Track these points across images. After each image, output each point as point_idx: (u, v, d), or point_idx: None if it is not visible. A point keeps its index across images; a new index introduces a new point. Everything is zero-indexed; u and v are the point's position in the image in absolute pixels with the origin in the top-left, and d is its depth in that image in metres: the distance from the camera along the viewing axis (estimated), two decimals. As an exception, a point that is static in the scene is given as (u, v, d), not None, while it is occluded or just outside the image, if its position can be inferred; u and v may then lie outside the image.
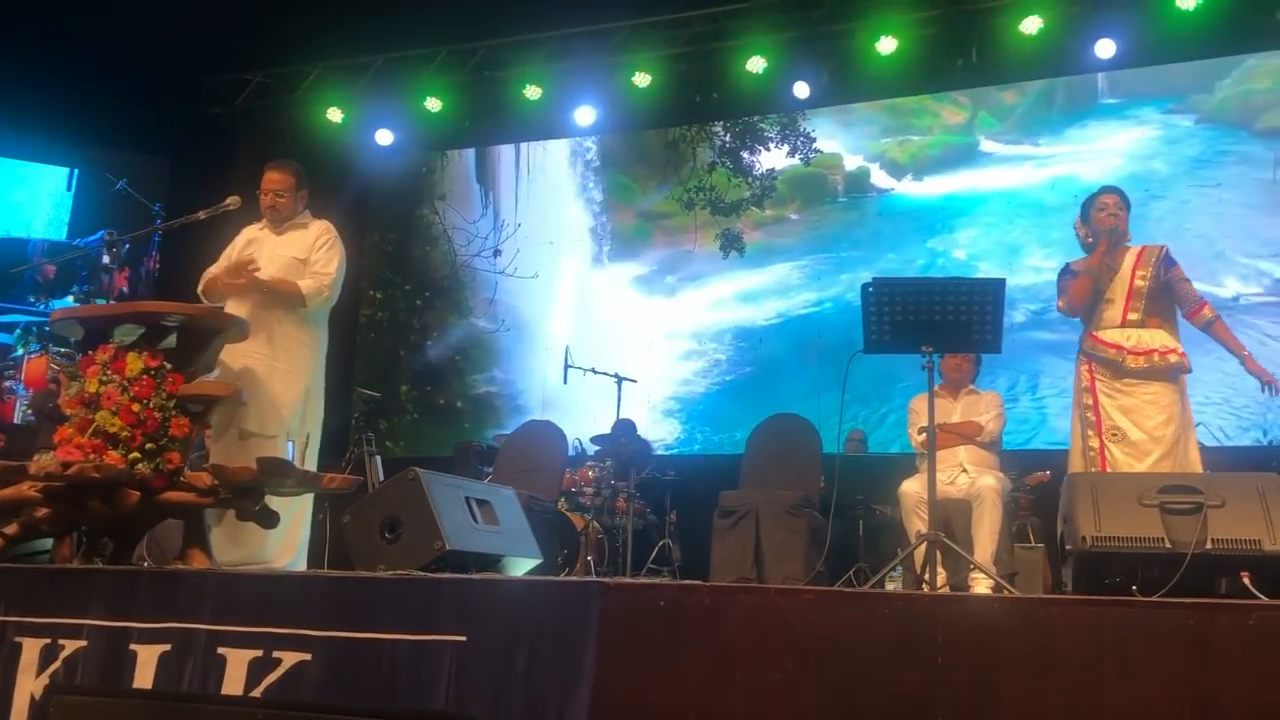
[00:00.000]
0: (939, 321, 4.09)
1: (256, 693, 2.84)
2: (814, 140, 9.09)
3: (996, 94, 8.70)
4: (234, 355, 4.35)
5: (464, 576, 3.19)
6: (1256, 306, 7.62)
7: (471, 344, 9.89)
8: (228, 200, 4.67)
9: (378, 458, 7.48)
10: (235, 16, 8.68)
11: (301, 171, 4.88)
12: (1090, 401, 4.57)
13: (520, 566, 4.05)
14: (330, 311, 4.86)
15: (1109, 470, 4.41)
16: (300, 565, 4.62)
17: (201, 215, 4.68)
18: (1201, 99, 8.05)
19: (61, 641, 3.08)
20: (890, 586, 5.22)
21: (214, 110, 9.52)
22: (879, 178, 8.89)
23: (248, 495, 3.82)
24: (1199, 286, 7.55)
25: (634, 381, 7.49)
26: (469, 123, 9.45)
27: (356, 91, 9.39)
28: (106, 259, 4.69)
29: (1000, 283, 4.16)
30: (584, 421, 7.99)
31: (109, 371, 3.73)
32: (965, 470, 5.26)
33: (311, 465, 4.58)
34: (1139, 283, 4.62)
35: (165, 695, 2.88)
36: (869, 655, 2.50)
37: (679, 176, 9.45)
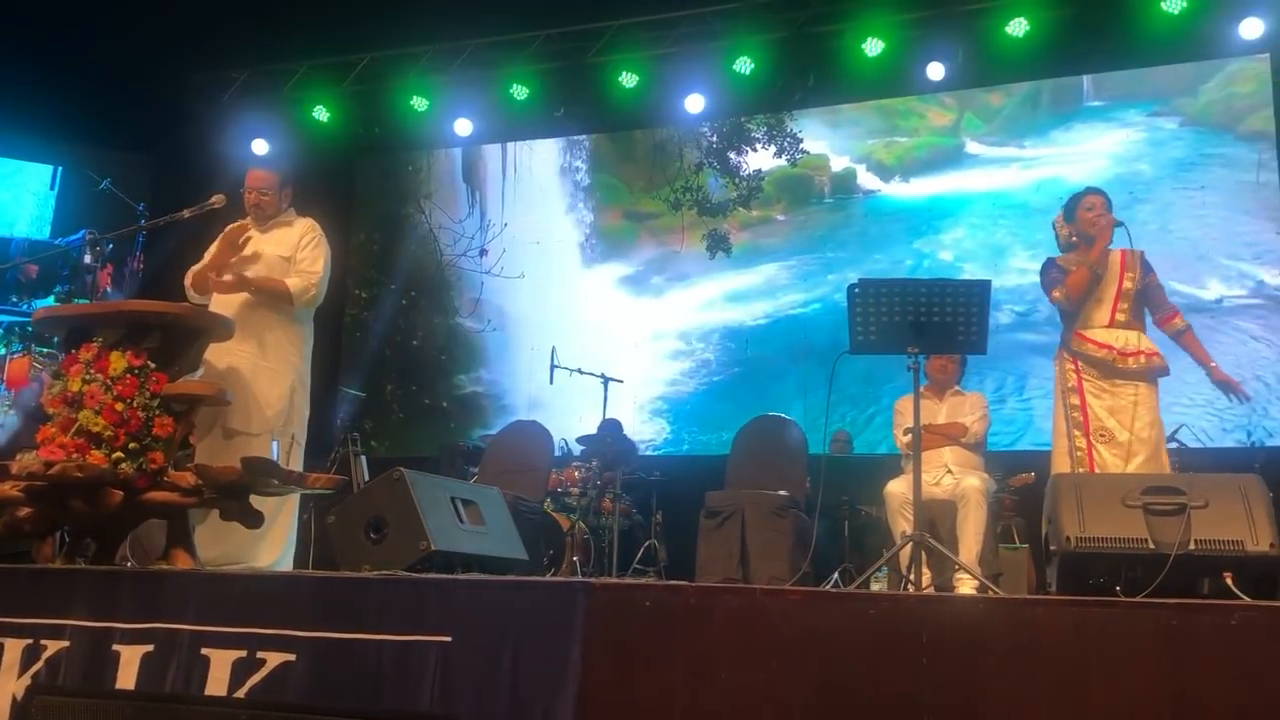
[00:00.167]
0: (924, 323, 4.10)
1: (240, 694, 2.82)
2: (801, 141, 9.10)
3: (983, 96, 8.73)
4: (219, 354, 4.34)
5: (449, 577, 3.19)
6: (1240, 309, 7.67)
7: (457, 344, 9.87)
8: (212, 199, 4.65)
9: (363, 457, 7.46)
10: (221, 14, 8.64)
11: (286, 169, 4.87)
12: (1077, 401, 4.58)
13: (506, 567, 4.05)
14: (315, 310, 4.85)
15: (1096, 471, 4.43)
16: (285, 565, 4.60)
17: (186, 214, 4.65)
18: (1186, 102, 8.10)
19: (44, 642, 3.06)
20: (875, 587, 5.24)
21: (199, 108, 9.48)
22: (865, 179, 8.91)
23: (232, 495, 3.80)
24: (1183, 288, 7.71)
25: (620, 382, 7.48)
26: (455, 122, 9.44)
27: (342, 90, 9.37)
28: (88, 258, 4.67)
29: (985, 284, 4.18)
30: (570, 422, 7.98)
31: (92, 370, 3.71)
32: (950, 471, 5.28)
33: (296, 465, 4.57)
34: (1128, 284, 4.65)
35: (148, 696, 2.87)
36: (854, 655, 2.50)
37: (666, 177, 9.45)
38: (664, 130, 9.49)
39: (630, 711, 2.58)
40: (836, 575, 6.01)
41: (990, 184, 8.54)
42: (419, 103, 9.29)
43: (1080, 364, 4.62)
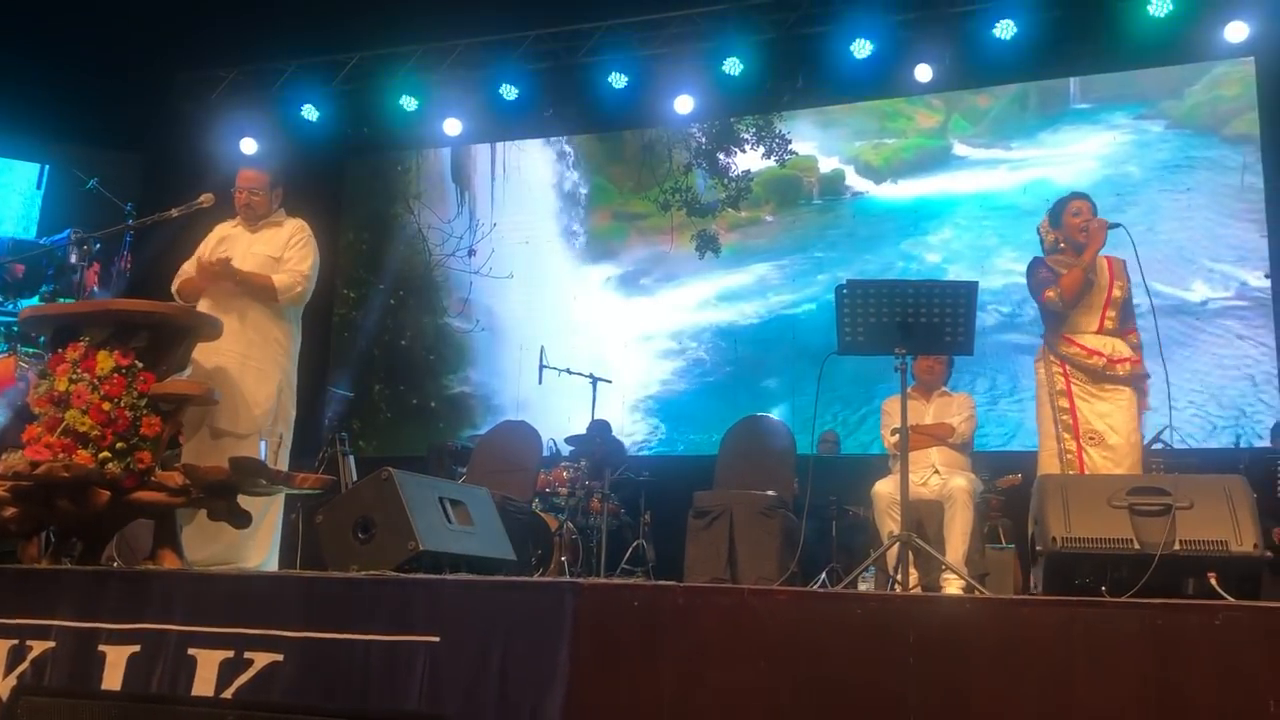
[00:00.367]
0: (912, 324, 4.11)
1: (228, 694, 2.82)
2: (789, 142, 9.12)
3: (970, 98, 8.76)
4: (207, 354, 4.32)
5: (438, 577, 3.19)
6: (1225, 310, 7.72)
7: (446, 344, 9.86)
8: (200, 198, 4.63)
9: (351, 457, 7.45)
10: (209, 13, 8.61)
11: (277, 169, 4.87)
12: (1067, 404, 4.59)
13: (494, 567, 4.05)
14: (304, 310, 4.84)
15: (1087, 473, 4.44)
16: (272, 565, 4.59)
17: (174, 213, 4.64)
18: (1172, 104, 8.14)
19: (29, 642, 3.05)
20: (863, 587, 5.25)
21: (188, 107, 9.46)
22: (853, 180, 8.93)
23: (220, 495, 3.79)
24: (1168, 290, 7.75)
25: (609, 382, 7.49)
26: (445, 122, 9.43)
27: (332, 89, 9.35)
28: (73, 258, 4.65)
29: (972, 286, 4.20)
30: (559, 422, 7.98)
31: (79, 370, 3.70)
32: (937, 471, 5.30)
33: (284, 465, 4.56)
34: (1117, 293, 4.66)
35: (134, 697, 2.87)
36: (842, 655, 2.51)
37: (655, 178, 9.46)
38: (653, 131, 9.50)
39: (619, 711, 2.59)
40: (824, 575, 6.02)
41: (977, 185, 8.57)
42: (408, 102, 9.28)
43: (1069, 368, 4.62)
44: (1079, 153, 8.28)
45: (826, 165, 9.03)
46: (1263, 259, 7.67)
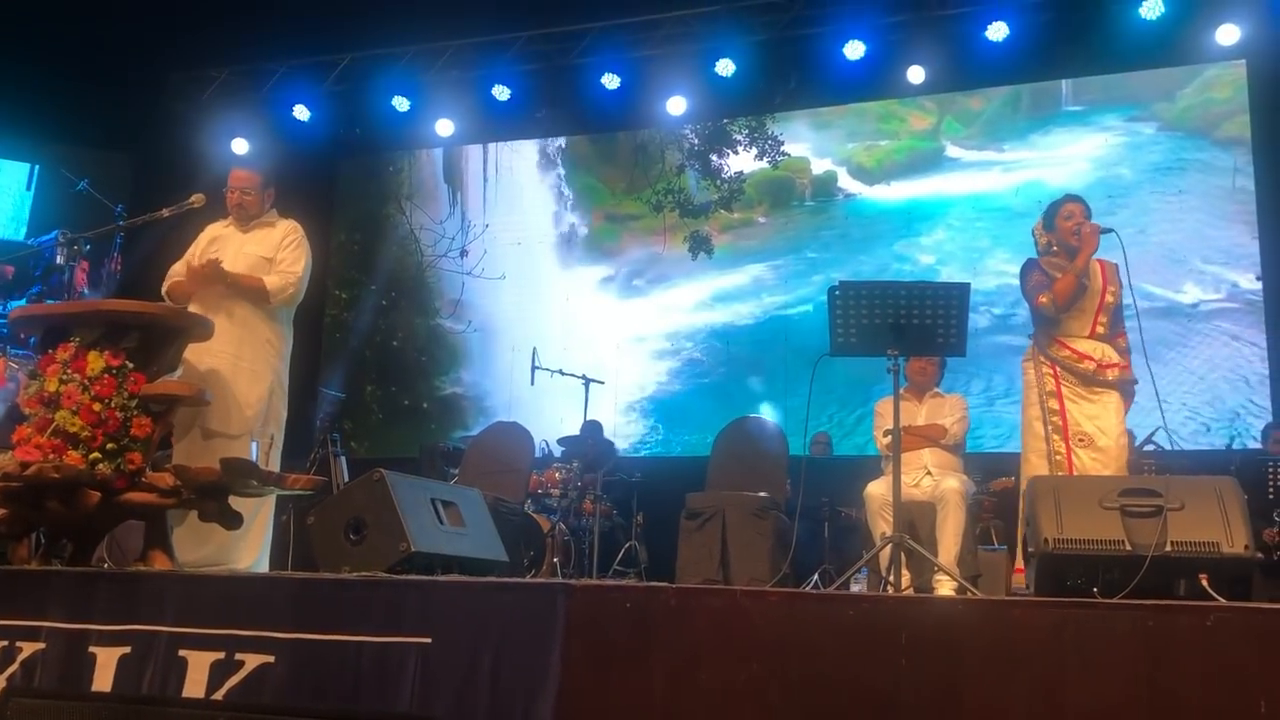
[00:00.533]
0: (904, 325, 4.12)
1: (218, 695, 2.81)
2: (782, 144, 9.13)
3: (962, 100, 8.78)
4: (198, 355, 4.31)
5: (429, 578, 3.18)
6: (1217, 312, 7.74)
7: (438, 345, 9.85)
8: (191, 198, 4.62)
9: (343, 458, 7.43)
10: (201, 13, 8.59)
11: (268, 169, 4.84)
12: (1057, 406, 4.59)
13: (486, 568, 4.04)
14: (295, 311, 4.82)
15: (1076, 475, 4.45)
16: (263, 567, 4.57)
17: (165, 213, 4.62)
18: (1163, 107, 8.17)
19: (19, 644, 3.04)
20: (855, 588, 5.25)
21: (179, 107, 9.44)
22: (846, 182, 8.94)
23: (211, 496, 3.78)
24: (1160, 292, 7.78)
25: (601, 383, 7.48)
26: (437, 122, 9.42)
27: (323, 90, 9.34)
28: (60, 258, 4.63)
29: (965, 287, 4.20)
30: (551, 423, 7.98)
31: (69, 370, 3.68)
32: (929, 473, 5.30)
33: (275, 466, 4.55)
34: (1109, 299, 4.65)
35: (125, 698, 2.86)
36: (834, 656, 2.51)
37: (647, 179, 9.46)
38: (646, 132, 9.50)
39: (610, 712, 2.59)
40: (816, 576, 6.02)
41: (970, 187, 8.59)
42: (400, 103, 9.27)
43: (1059, 370, 4.63)
44: (1071, 155, 8.31)
45: (819, 167, 9.04)
46: (1254, 261, 7.70)
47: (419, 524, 3.64)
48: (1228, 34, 7.61)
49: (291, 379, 4.79)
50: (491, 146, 9.98)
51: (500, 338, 9.59)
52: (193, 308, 4.45)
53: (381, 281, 10.11)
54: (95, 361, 3.69)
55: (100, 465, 3.62)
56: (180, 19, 8.56)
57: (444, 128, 9.46)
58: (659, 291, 9.28)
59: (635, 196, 9.51)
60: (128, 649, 2.94)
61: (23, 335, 4.75)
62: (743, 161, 9.23)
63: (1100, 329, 4.64)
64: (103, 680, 2.93)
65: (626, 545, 7.02)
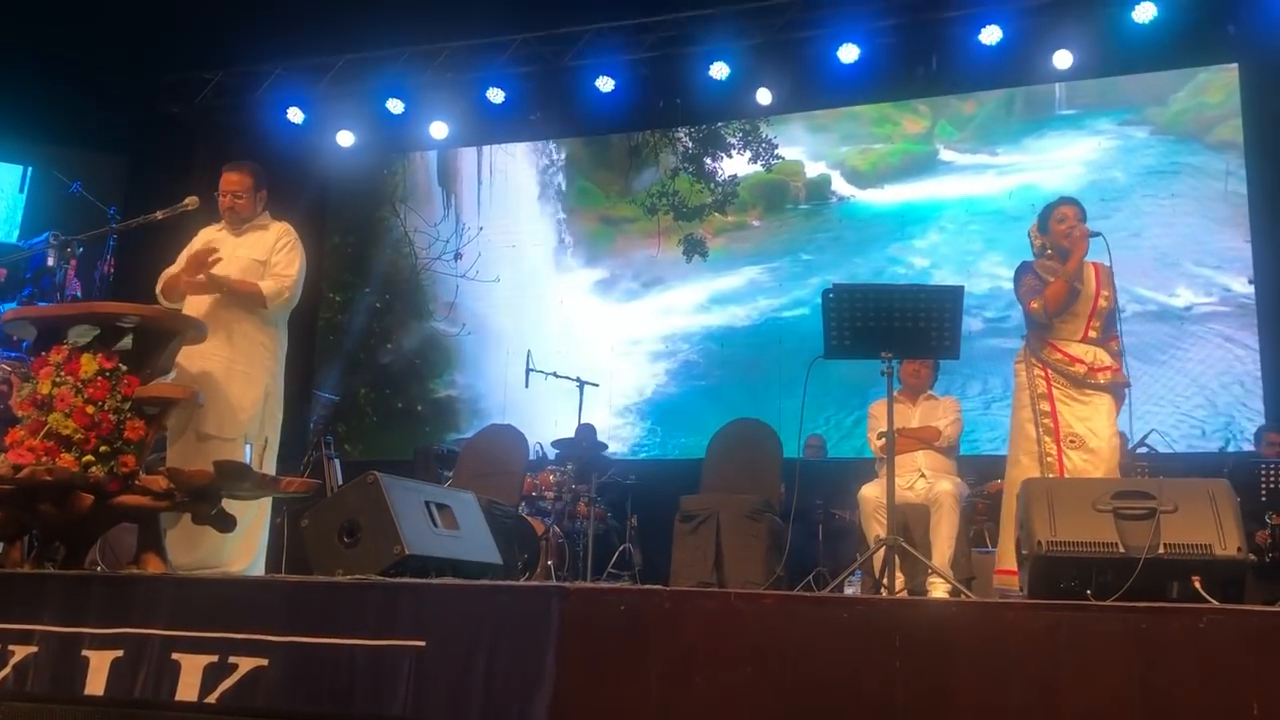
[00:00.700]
0: (898, 328, 4.13)
1: (211, 699, 2.80)
2: (776, 147, 9.14)
3: (956, 103, 8.80)
4: (192, 357, 4.30)
5: (423, 581, 3.18)
6: (1209, 315, 7.77)
7: (432, 347, 9.84)
8: (185, 201, 4.61)
9: (336, 461, 7.43)
10: (195, 15, 8.58)
11: (261, 172, 4.82)
12: (1048, 408, 4.60)
13: (480, 571, 4.04)
14: (289, 314, 4.81)
15: (1067, 476, 4.45)
16: (257, 570, 4.56)
17: (159, 216, 4.61)
18: (1156, 111, 8.19)
19: (11, 648, 3.03)
20: (849, 591, 5.26)
21: (173, 109, 9.43)
22: (840, 185, 8.96)
23: (204, 499, 3.77)
24: (1153, 295, 7.80)
25: (595, 385, 7.48)
26: (431, 125, 9.42)
27: (318, 92, 9.33)
28: (51, 260, 4.62)
29: (958, 290, 4.21)
30: (545, 426, 7.97)
31: (63, 373, 3.68)
32: (923, 475, 5.30)
33: (269, 469, 4.54)
34: (1103, 303, 4.65)
35: (118, 702, 2.85)
36: (828, 659, 2.51)
37: (641, 182, 9.47)
38: (640, 135, 9.51)
39: (605, 716, 2.59)
40: (810, 579, 6.02)
41: (964, 190, 8.61)
42: (394, 105, 9.27)
43: (1050, 372, 4.63)
44: (1064, 158, 8.33)
45: (813, 170, 9.06)
46: (1246, 265, 7.73)
47: (413, 527, 3.64)
48: (1220, 38, 7.63)
49: (286, 382, 4.78)
50: (486, 149, 9.97)
51: (494, 340, 9.58)
52: (186, 311, 4.44)
53: (375, 284, 10.11)
54: (89, 364, 3.68)
55: (93, 468, 3.61)
56: (174, 21, 8.55)
57: (438, 130, 9.46)
58: (653, 294, 9.28)
59: (629, 199, 9.52)
60: (120, 652, 2.93)
61: (15, 338, 4.73)
62: (737, 165, 9.24)
63: (1093, 333, 4.64)
64: (95, 684, 2.92)
65: (621, 548, 7.02)
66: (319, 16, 8.70)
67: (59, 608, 3.07)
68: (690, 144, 9.39)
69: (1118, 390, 4.64)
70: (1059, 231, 4.68)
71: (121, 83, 8.90)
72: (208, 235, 4.80)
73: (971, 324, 7.78)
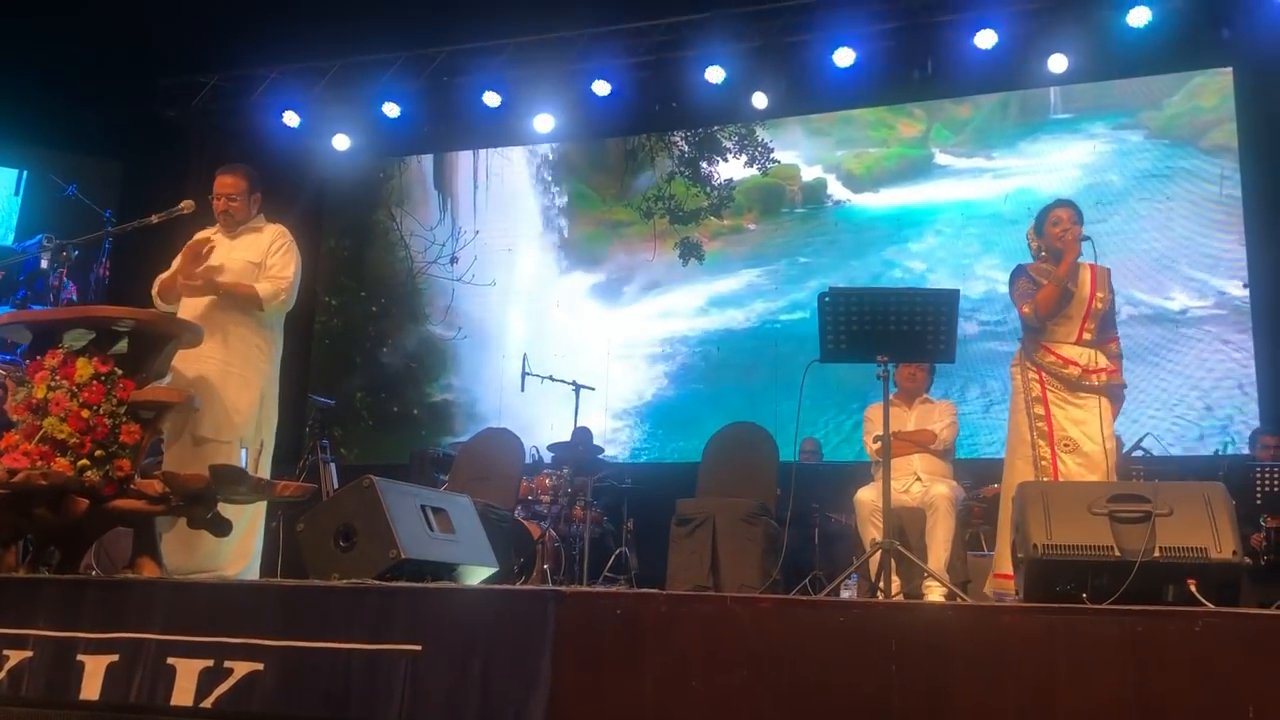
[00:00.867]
0: (894, 331, 4.13)
1: (207, 703, 2.80)
2: (772, 151, 9.15)
3: (951, 107, 8.81)
4: (188, 360, 4.30)
5: (419, 585, 3.17)
6: (1204, 318, 7.78)
7: (428, 351, 9.84)
8: (181, 204, 4.61)
9: (332, 465, 7.41)
10: (191, 18, 8.58)
11: (254, 175, 4.82)
12: (1042, 411, 4.60)
13: (476, 575, 4.03)
14: (285, 317, 4.81)
15: (1061, 480, 4.46)
16: (253, 574, 4.56)
17: (154, 219, 4.61)
18: (1151, 115, 8.21)
19: (6, 652, 3.02)
20: (845, 594, 5.26)
21: (168, 113, 9.42)
22: (835, 189, 8.97)
23: (200, 503, 3.76)
24: (1149, 299, 7.81)
25: (591, 389, 7.48)
26: (427, 128, 9.43)
27: (313, 96, 9.33)
28: (44, 263, 4.61)
29: (954, 294, 4.21)
30: (541, 429, 7.97)
31: (58, 377, 3.67)
32: (919, 479, 5.31)
33: (265, 472, 4.52)
34: (1098, 305, 4.65)
35: (113, 706, 2.84)
36: (824, 662, 2.51)
37: (637, 185, 9.47)
38: (636, 139, 9.51)
39: (601, 719, 2.58)
40: (806, 583, 6.02)
41: (959, 194, 8.62)
42: (390, 109, 9.27)
43: (1045, 375, 4.64)
44: (1059, 162, 8.35)
45: (809, 174, 9.07)
46: (1241, 268, 7.74)
47: (409, 531, 3.63)
48: (1214, 43, 7.65)
49: (281, 385, 4.78)
50: (482, 153, 9.98)
51: (490, 344, 9.58)
52: (182, 314, 4.44)
53: (371, 288, 10.10)
54: (84, 368, 3.67)
55: (88, 472, 3.61)
56: (170, 25, 8.55)
57: (434, 133, 9.46)
58: (650, 298, 9.28)
59: (625, 203, 9.53)
60: (116, 657, 2.93)
61: (9, 341, 4.73)
62: (733, 168, 9.25)
63: (1088, 335, 4.64)
64: (90, 689, 2.91)
65: (617, 551, 7.01)
66: (315, 20, 8.70)
67: (54, 612, 3.06)
68: (686, 148, 9.40)
69: (1114, 392, 4.64)
70: (1053, 234, 4.69)
71: (117, 86, 8.89)
72: (203, 239, 4.79)
73: (967, 328, 7.79)
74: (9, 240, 9.26)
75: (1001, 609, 2.75)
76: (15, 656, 3.01)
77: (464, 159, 10.04)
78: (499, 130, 9.48)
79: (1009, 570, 4.01)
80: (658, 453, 8.92)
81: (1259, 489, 5.87)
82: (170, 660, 2.87)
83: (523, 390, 7.47)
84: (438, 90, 9.16)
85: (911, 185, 8.76)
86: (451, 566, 3.85)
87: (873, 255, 8.70)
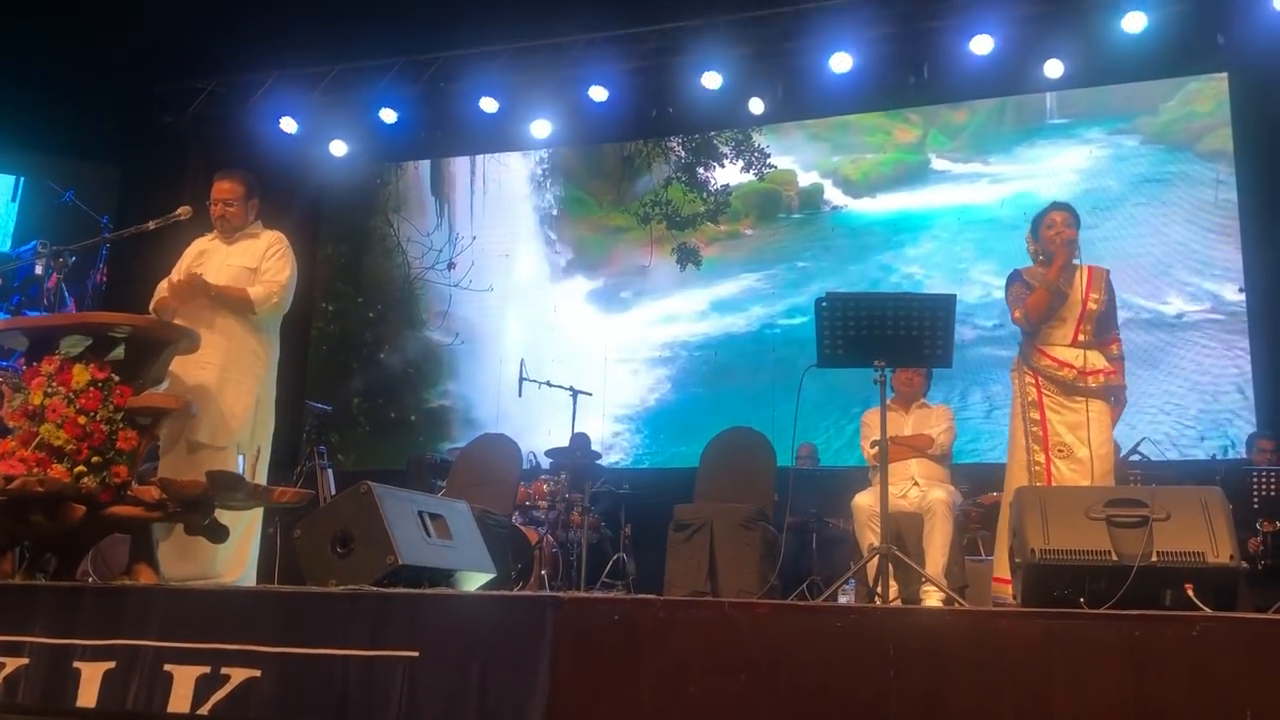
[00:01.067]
0: (891, 336, 4.14)
1: (204, 710, 2.79)
2: (768, 156, 9.16)
3: (947, 112, 8.82)
4: (184, 367, 4.29)
5: (417, 591, 3.17)
6: (1200, 323, 7.79)
7: (425, 357, 9.83)
8: (178, 210, 4.61)
9: (329, 471, 7.40)
10: (188, 24, 8.58)
11: (252, 181, 4.82)
12: (1037, 416, 4.60)
13: (474, 581, 4.03)
14: (281, 323, 4.81)
15: (1054, 485, 4.46)
16: (250, 580, 4.55)
17: (151, 225, 4.61)
18: (1147, 120, 8.23)
19: (2, 659, 3.02)
20: (843, 599, 5.25)
21: (166, 119, 9.42)
22: (832, 194, 8.98)
23: (197, 509, 3.76)
24: (1145, 303, 7.82)
25: (589, 395, 7.48)
26: (424, 134, 9.43)
27: (310, 101, 9.33)
28: (39, 268, 4.60)
29: (950, 299, 4.22)
30: (538, 435, 7.96)
31: (54, 383, 3.67)
32: (917, 483, 5.31)
33: (262, 478, 4.52)
34: (1092, 306, 4.65)
35: (109, 714, 2.84)
36: (822, 668, 2.51)
37: (634, 191, 9.48)
38: (633, 144, 9.52)
39: (599, 725, 2.58)
40: (804, 588, 6.03)
41: (956, 199, 8.63)
42: (387, 115, 9.27)
43: (1040, 379, 4.64)
44: (1055, 167, 8.36)
45: (805, 179, 9.07)
46: (1237, 273, 7.75)
47: (406, 537, 3.63)
48: (1209, 47, 7.66)
49: (278, 391, 4.78)
50: (479, 159, 9.98)
51: (488, 350, 9.58)
52: (178, 320, 4.43)
53: (368, 293, 10.10)
54: (80, 374, 3.67)
55: (85, 479, 3.60)
56: (167, 30, 8.55)
57: (431, 139, 9.46)
58: (647, 303, 9.28)
59: (622, 208, 9.53)
60: (112, 664, 2.92)
61: (6, 347, 4.72)
62: (729, 174, 9.26)
63: (1083, 336, 4.64)
64: (87, 696, 2.91)
65: (615, 557, 7.01)
66: (312, 26, 8.70)
67: (50, 619, 3.06)
68: (683, 153, 9.41)
69: (1113, 394, 4.63)
70: (1048, 238, 4.70)
71: (115, 92, 8.89)
72: (200, 245, 4.79)
73: (964, 332, 7.79)
74: (5, 246, 9.25)
75: (999, 614, 2.75)
76: (11, 664, 3.01)
77: (461, 165, 10.04)
78: (496, 136, 9.48)
79: (1008, 575, 4.01)
80: (656, 458, 8.91)
81: (1256, 493, 5.88)
82: (167, 667, 2.87)
83: (520, 396, 7.46)
84: (435, 96, 9.16)
85: (908, 190, 8.77)
86: (449, 572, 3.85)
87: (870, 260, 8.71)
